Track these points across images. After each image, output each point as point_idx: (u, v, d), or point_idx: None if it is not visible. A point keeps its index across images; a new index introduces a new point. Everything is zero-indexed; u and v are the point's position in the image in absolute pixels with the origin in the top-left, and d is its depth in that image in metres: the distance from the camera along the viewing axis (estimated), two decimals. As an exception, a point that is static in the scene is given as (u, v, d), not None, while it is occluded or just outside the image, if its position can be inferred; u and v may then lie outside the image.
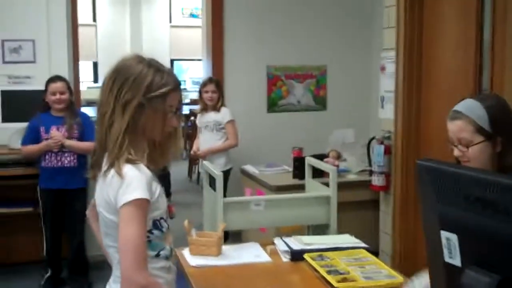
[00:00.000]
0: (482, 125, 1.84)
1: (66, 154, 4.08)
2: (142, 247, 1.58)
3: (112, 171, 1.64)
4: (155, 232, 1.71)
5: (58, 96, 4.08)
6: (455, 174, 1.25)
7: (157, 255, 1.73)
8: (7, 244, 4.61)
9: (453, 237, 1.26)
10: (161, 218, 1.73)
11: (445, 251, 1.29)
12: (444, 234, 1.28)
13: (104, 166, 1.69)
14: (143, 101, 1.67)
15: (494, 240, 1.16)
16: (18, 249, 4.63)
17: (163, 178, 7.31)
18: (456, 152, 1.92)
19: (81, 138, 4.09)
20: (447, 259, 1.29)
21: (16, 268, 4.57)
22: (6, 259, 4.59)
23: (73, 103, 4.18)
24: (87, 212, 1.96)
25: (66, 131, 4.06)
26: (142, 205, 1.61)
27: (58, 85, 4.10)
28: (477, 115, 1.85)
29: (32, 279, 4.37)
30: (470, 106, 1.88)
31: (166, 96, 1.71)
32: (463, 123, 1.87)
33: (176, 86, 1.75)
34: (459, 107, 1.91)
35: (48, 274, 4.31)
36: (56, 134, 4.03)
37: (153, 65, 1.72)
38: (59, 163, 4.08)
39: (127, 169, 1.63)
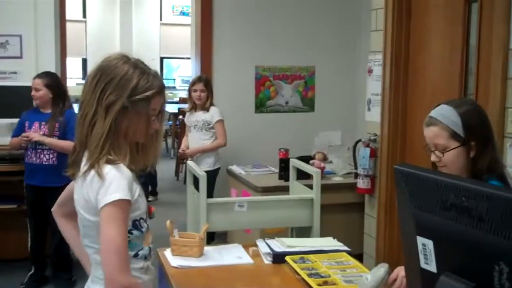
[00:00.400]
0: (456, 131, 1.89)
1: (45, 152, 4.06)
2: (124, 248, 1.57)
3: (92, 172, 1.62)
4: (135, 232, 1.70)
5: (33, 92, 4.09)
6: (432, 179, 1.25)
7: (135, 255, 1.72)
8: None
9: (429, 243, 1.26)
10: (141, 218, 1.72)
11: (421, 257, 1.29)
12: (420, 239, 1.28)
13: (84, 167, 1.66)
14: (127, 104, 1.64)
15: (469, 246, 1.16)
16: (3, 246, 4.60)
17: (150, 177, 7.32)
18: (432, 158, 1.95)
19: (62, 137, 4.06)
20: (423, 265, 1.29)
21: (1, 265, 4.54)
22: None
23: (57, 101, 4.11)
24: (53, 210, 1.94)
25: (47, 128, 4.05)
26: (123, 206, 1.59)
27: (35, 81, 4.10)
28: (451, 121, 1.89)
29: (17, 277, 4.33)
30: (444, 112, 1.92)
31: (150, 99, 1.68)
32: (438, 129, 1.91)
33: (161, 89, 1.72)
34: (434, 113, 1.95)
35: (31, 272, 4.28)
36: (30, 132, 4.03)
37: (138, 67, 1.69)
38: (38, 160, 4.07)
39: (107, 169, 1.61)
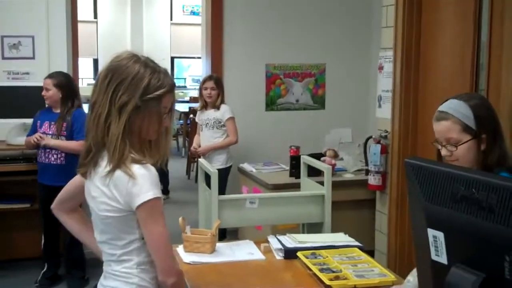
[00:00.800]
0: (468, 124, 1.88)
1: (53, 152, 4.11)
2: (169, 240, 1.70)
3: (118, 172, 1.65)
4: None
5: (44, 92, 4.14)
6: (442, 172, 1.26)
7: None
8: (6, 240, 4.63)
9: (440, 235, 1.27)
10: None
11: (432, 249, 1.30)
12: (431, 232, 1.29)
13: (106, 167, 1.67)
14: (139, 104, 1.66)
15: (479, 238, 1.17)
16: (17, 245, 4.65)
17: (162, 176, 7.39)
18: (444, 152, 1.94)
19: (69, 137, 4.10)
20: (433, 257, 1.30)
21: (15, 264, 4.59)
22: (5, 255, 4.60)
23: (66, 101, 4.13)
24: (53, 207, 1.97)
25: (56, 128, 4.10)
26: (158, 203, 1.66)
27: (45, 81, 4.15)
28: (463, 114, 1.89)
29: (30, 275, 4.38)
30: (455, 106, 1.92)
31: (162, 97, 1.70)
32: (450, 123, 1.91)
33: (171, 87, 1.75)
34: (444, 107, 1.95)
35: (44, 270, 4.32)
36: (39, 136, 4.07)
37: (149, 66, 1.71)
38: (47, 160, 4.13)
39: (136, 169, 1.64)
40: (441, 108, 1.96)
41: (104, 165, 1.69)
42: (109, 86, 1.67)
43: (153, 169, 1.68)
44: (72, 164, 3.99)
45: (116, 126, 1.65)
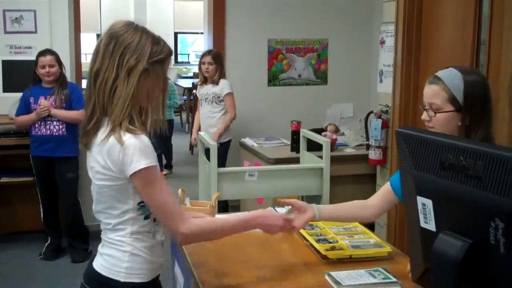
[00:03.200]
0: (456, 96, 1.85)
1: (55, 123, 4.17)
2: (174, 204, 1.74)
3: (112, 139, 1.67)
4: None
5: (47, 69, 4.16)
6: (431, 141, 1.28)
7: (146, 218, 1.77)
8: (7, 213, 4.68)
9: (428, 203, 1.30)
10: None
11: (421, 216, 1.33)
12: (420, 199, 1.32)
13: (104, 132, 1.70)
14: (147, 66, 1.70)
15: (466, 205, 1.20)
16: (21, 218, 4.71)
17: (166, 151, 7.41)
18: (423, 116, 1.93)
19: (69, 108, 4.18)
20: (422, 224, 1.33)
21: (19, 237, 4.66)
22: (7, 228, 4.66)
23: (63, 75, 4.24)
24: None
25: (53, 101, 4.15)
26: (151, 171, 1.68)
27: (47, 59, 4.17)
28: (455, 84, 1.85)
29: (35, 248, 4.45)
30: (450, 75, 1.88)
31: (164, 61, 1.75)
32: (438, 88, 1.88)
33: (170, 52, 1.80)
34: (440, 73, 1.92)
35: (48, 242, 4.39)
36: (43, 102, 4.12)
37: (148, 33, 1.75)
38: (48, 131, 4.18)
39: (128, 138, 1.66)
40: (437, 73, 1.93)
41: (101, 131, 1.72)
42: (114, 51, 1.69)
43: (145, 138, 1.69)
44: (72, 135, 4.09)
45: (125, 89, 1.68)
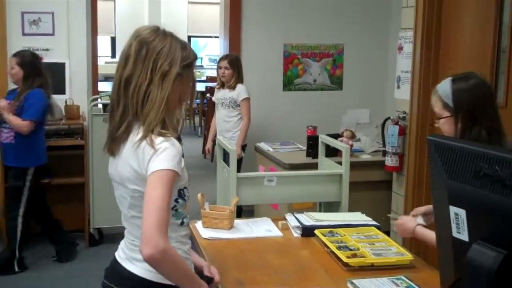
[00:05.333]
0: (447, 102, 2.07)
1: (5, 130, 4.05)
2: (165, 210, 1.60)
3: (144, 143, 1.67)
4: (180, 201, 1.75)
5: (8, 69, 4.13)
6: (465, 150, 1.26)
7: (182, 223, 1.78)
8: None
9: (462, 212, 1.28)
10: (185, 187, 1.78)
11: (453, 226, 1.31)
12: (452, 209, 1.30)
13: (134, 136, 1.70)
14: (180, 71, 1.73)
15: (501, 215, 1.18)
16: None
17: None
18: (436, 124, 2.17)
19: (18, 115, 3.97)
20: (455, 234, 1.31)
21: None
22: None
23: (26, 79, 4.01)
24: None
25: (12, 105, 3.98)
26: (170, 175, 1.64)
27: (10, 60, 4.13)
28: (445, 92, 2.09)
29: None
30: (443, 84, 2.12)
31: (191, 66, 1.78)
32: (435, 98, 2.13)
33: (196, 57, 1.84)
34: (438, 84, 2.15)
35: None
36: (1, 102, 4.00)
37: (176, 37, 1.78)
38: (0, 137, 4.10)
39: (159, 141, 1.67)
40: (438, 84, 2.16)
41: (132, 136, 1.72)
42: (147, 57, 1.71)
43: (176, 143, 1.70)
44: (22, 146, 3.96)
45: (160, 93, 1.69)
